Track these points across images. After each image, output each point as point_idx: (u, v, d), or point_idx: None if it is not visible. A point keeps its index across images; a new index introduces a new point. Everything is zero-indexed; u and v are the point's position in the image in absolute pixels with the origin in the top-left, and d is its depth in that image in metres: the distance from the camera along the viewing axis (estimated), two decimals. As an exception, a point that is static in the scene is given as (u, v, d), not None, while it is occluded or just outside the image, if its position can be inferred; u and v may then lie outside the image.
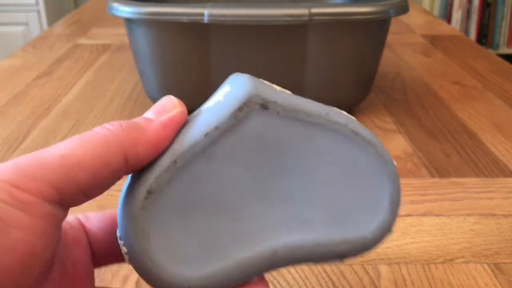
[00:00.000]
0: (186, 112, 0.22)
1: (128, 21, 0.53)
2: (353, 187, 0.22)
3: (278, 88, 0.22)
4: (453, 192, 0.42)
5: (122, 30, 0.95)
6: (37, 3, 1.96)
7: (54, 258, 0.21)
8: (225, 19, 0.49)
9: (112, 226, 0.24)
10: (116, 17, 1.07)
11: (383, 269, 0.33)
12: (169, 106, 0.22)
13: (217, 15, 0.49)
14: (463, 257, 0.35)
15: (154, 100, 0.57)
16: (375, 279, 0.33)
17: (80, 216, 0.24)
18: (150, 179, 0.21)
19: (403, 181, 0.44)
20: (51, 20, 2.01)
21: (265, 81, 0.22)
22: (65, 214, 0.20)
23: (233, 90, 0.22)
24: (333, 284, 0.32)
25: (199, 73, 0.54)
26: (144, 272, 0.21)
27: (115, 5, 0.51)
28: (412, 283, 0.32)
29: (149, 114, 0.22)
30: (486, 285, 0.32)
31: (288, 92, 0.22)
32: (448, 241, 0.36)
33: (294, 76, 0.54)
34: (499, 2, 2.20)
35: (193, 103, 0.56)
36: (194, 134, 0.21)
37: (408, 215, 0.39)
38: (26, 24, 1.98)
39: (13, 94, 0.64)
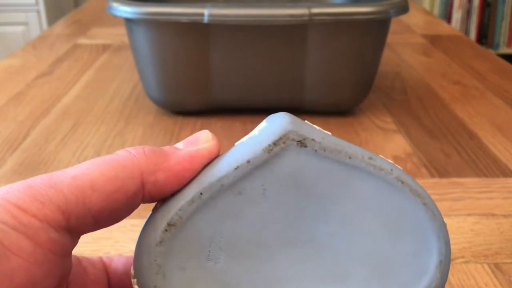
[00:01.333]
0: (218, 147, 0.21)
1: (128, 21, 0.53)
2: (397, 242, 0.20)
3: (318, 127, 0.20)
4: (453, 192, 0.42)
5: (122, 30, 0.95)
6: (37, 3, 1.96)
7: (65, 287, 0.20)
8: (225, 19, 0.49)
9: None
10: (116, 17, 1.07)
11: (383, 269, 0.33)
12: (202, 138, 0.20)
13: (217, 15, 0.49)
14: (463, 257, 0.35)
15: (154, 100, 0.57)
16: (375, 279, 0.33)
17: (103, 257, 0.23)
18: (172, 210, 0.19)
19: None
20: (51, 20, 2.01)
21: (306, 121, 0.20)
22: (74, 242, 0.19)
23: (269, 125, 0.20)
24: (333, 284, 0.32)
25: (199, 73, 0.54)
26: None
27: (115, 5, 0.51)
28: (412, 283, 0.32)
29: (179, 144, 0.21)
30: (486, 285, 0.32)
31: (329, 133, 0.20)
32: (448, 241, 0.36)
33: (294, 76, 0.54)
34: (499, 2, 2.20)
35: (193, 103, 0.56)
36: (223, 167, 0.19)
37: (408, 215, 0.39)
38: (26, 24, 1.98)
39: (13, 94, 0.64)
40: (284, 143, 0.19)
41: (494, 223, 0.38)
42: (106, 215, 0.18)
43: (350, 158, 0.19)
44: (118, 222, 0.19)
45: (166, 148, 0.20)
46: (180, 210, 0.19)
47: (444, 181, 0.44)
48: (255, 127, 0.21)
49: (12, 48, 1.94)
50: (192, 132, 0.53)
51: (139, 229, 0.21)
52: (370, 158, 0.19)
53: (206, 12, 0.49)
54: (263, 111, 0.57)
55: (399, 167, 0.20)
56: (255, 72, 0.54)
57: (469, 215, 0.39)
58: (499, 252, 0.35)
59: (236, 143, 0.20)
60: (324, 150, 0.19)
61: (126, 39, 0.88)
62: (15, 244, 0.16)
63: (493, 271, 0.33)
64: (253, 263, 0.20)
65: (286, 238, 0.20)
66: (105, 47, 0.84)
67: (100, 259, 0.23)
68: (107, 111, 0.59)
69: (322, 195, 0.19)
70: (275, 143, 0.19)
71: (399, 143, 0.51)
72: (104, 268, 0.22)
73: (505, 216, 0.39)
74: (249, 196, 0.19)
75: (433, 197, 0.41)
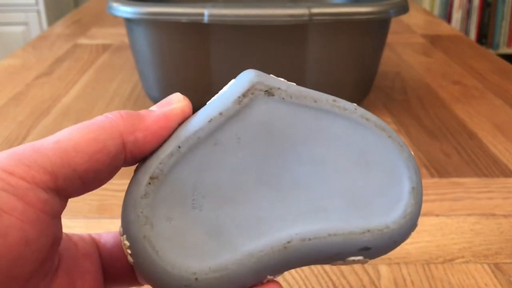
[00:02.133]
0: (190, 106, 0.22)
1: (128, 21, 0.53)
2: (369, 174, 0.21)
3: (283, 80, 0.22)
4: (453, 192, 0.42)
5: (122, 30, 0.95)
6: (37, 3, 1.96)
7: (56, 259, 0.20)
8: (225, 19, 0.49)
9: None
10: (116, 17, 1.07)
11: (383, 269, 0.33)
12: (173, 100, 0.22)
13: (217, 15, 0.49)
14: (463, 257, 0.35)
15: (154, 100, 0.57)
16: (375, 279, 0.33)
17: (92, 234, 0.23)
18: (153, 165, 0.20)
19: (403, 181, 0.44)
20: (51, 20, 2.01)
21: (271, 75, 0.22)
22: (63, 204, 0.19)
23: (237, 81, 0.22)
24: (333, 284, 0.32)
25: (199, 73, 0.54)
26: (148, 267, 0.20)
27: (115, 5, 0.51)
28: (412, 283, 0.32)
29: (153, 107, 0.22)
30: (486, 285, 0.32)
31: (293, 83, 0.22)
32: (448, 241, 0.36)
33: (294, 76, 0.54)
34: (499, 2, 2.20)
35: (193, 103, 0.56)
36: (198, 121, 0.21)
37: (408, 215, 0.39)
38: (26, 24, 1.98)
39: (13, 94, 0.64)
40: (252, 94, 0.21)
41: (494, 223, 0.38)
42: (92, 176, 0.19)
43: (315, 102, 0.21)
44: (104, 184, 0.20)
45: (142, 111, 0.21)
46: (160, 163, 0.20)
47: (444, 181, 0.44)
48: None
49: (12, 48, 1.94)
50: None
51: None
52: (334, 100, 0.21)
53: (206, 12, 0.49)
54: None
55: (359, 107, 0.22)
56: (255, 72, 0.54)
57: (469, 215, 0.39)
58: (499, 252, 0.35)
59: (208, 102, 0.22)
60: (291, 97, 0.21)
61: (126, 39, 0.88)
62: (6, 203, 0.17)
63: (493, 271, 0.33)
64: (234, 206, 0.21)
65: (263, 181, 0.21)
66: (105, 47, 0.84)
67: (89, 235, 0.23)
68: (107, 111, 0.59)
69: (293, 138, 0.21)
70: (244, 95, 0.21)
71: (399, 143, 0.51)
72: (94, 243, 0.23)
73: (505, 216, 0.39)
74: (224, 146, 0.21)
75: (433, 197, 0.41)
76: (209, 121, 0.20)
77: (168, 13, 0.49)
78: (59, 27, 0.99)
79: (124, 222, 0.20)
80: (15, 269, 0.17)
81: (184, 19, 0.49)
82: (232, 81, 0.22)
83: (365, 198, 0.21)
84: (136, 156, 0.20)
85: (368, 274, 0.33)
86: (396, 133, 0.21)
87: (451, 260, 0.34)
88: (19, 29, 1.99)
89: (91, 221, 0.39)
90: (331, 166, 0.21)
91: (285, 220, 0.21)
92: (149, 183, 0.20)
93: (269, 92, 0.21)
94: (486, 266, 0.34)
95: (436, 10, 2.22)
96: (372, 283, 0.32)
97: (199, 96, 0.55)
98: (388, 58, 0.78)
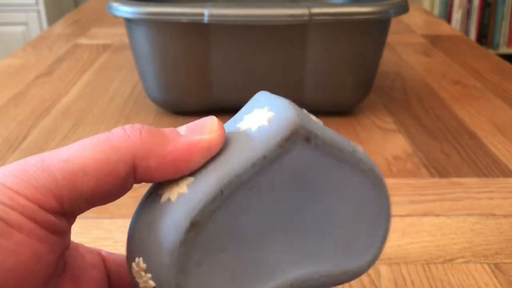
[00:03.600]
0: (222, 137, 0.20)
1: (128, 21, 0.53)
2: (360, 220, 0.22)
3: (314, 117, 0.21)
4: (453, 192, 0.42)
5: (122, 30, 0.95)
6: (37, 3, 1.96)
7: (66, 270, 0.20)
8: (225, 19, 0.49)
9: None
10: (116, 17, 1.07)
11: (383, 269, 0.33)
12: (206, 128, 0.20)
13: (217, 15, 0.49)
14: (463, 257, 0.35)
15: (154, 100, 0.57)
16: (375, 279, 0.33)
17: (97, 248, 0.23)
18: (196, 209, 0.19)
19: (403, 181, 0.44)
20: (51, 20, 2.01)
21: (304, 110, 0.21)
22: (70, 222, 0.19)
23: (277, 115, 0.20)
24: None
25: (199, 73, 0.54)
26: None
27: (115, 5, 0.51)
28: (412, 283, 0.32)
29: (182, 128, 0.20)
30: (486, 285, 0.32)
31: (321, 122, 0.22)
32: (448, 241, 0.36)
33: (294, 76, 0.54)
34: (499, 2, 2.20)
35: (193, 103, 0.56)
36: (240, 162, 0.19)
37: (408, 215, 0.39)
38: (26, 24, 1.98)
39: (13, 94, 0.64)
40: (294, 138, 0.20)
41: (494, 223, 0.38)
42: (98, 197, 0.18)
43: (341, 152, 0.21)
44: (112, 202, 0.19)
45: (167, 130, 0.19)
46: (203, 209, 0.19)
47: (444, 181, 0.44)
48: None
49: (12, 48, 1.94)
50: (192, 132, 0.52)
51: None
52: (354, 151, 0.21)
53: (206, 12, 0.49)
54: (263, 111, 0.57)
55: (366, 154, 0.23)
56: (255, 72, 0.54)
57: (469, 215, 0.39)
58: (499, 252, 0.35)
59: (240, 128, 0.21)
60: (323, 145, 0.21)
61: (126, 39, 0.88)
62: (17, 222, 0.17)
63: (493, 271, 0.33)
64: (255, 250, 0.21)
65: (282, 226, 0.21)
66: (105, 47, 0.84)
67: (95, 248, 0.23)
68: (107, 111, 0.59)
69: (315, 186, 0.21)
70: (287, 138, 0.20)
71: (399, 143, 0.51)
72: (100, 256, 0.23)
73: (505, 216, 0.39)
74: (259, 189, 0.20)
75: (433, 197, 0.41)
76: (253, 165, 0.19)
77: (168, 13, 0.49)
78: (59, 27, 0.99)
79: (155, 264, 0.19)
80: (25, 284, 0.17)
81: (184, 19, 0.49)
82: (268, 111, 0.21)
83: (352, 243, 0.22)
84: (144, 181, 0.19)
85: (368, 274, 0.33)
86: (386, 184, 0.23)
87: (451, 260, 0.34)
88: (19, 29, 1.99)
89: (91, 221, 0.39)
90: (335, 213, 0.22)
91: (292, 263, 0.21)
92: (190, 230, 0.19)
93: (307, 139, 0.20)
94: (486, 266, 0.34)
95: (436, 10, 2.22)
96: (372, 283, 0.32)
97: (199, 96, 0.55)
98: (388, 58, 0.78)
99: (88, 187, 0.18)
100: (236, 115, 0.22)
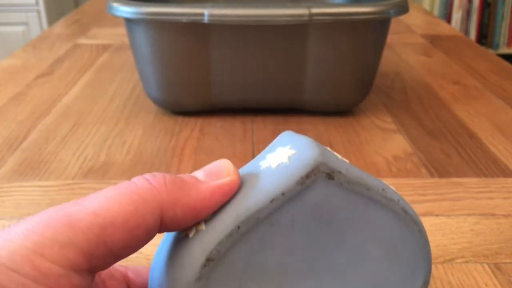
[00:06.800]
0: (239, 181, 0.20)
1: (128, 21, 0.53)
2: (394, 264, 0.21)
3: (339, 156, 0.21)
4: (453, 192, 0.42)
5: (122, 30, 0.95)
6: (37, 3, 1.96)
7: None
8: (225, 19, 0.49)
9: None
10: (116, 17, 1.07)
11: (383, 269, 0.33)
12: (223, 171, 0.20)
13: (217, 15, 0.49)
14: (463, 257, 0.35)
15: (154, 100, 0.57)
16: (375, 279, 0.33)
17: (120, 267, 0.23)
18: (211, 245, 0.19)
19: (403, 181, 0.44)
20: (51, 20, 2.01)
21: (327, 148, 0.21)
22: (93, 280, 0.18)
23: (299, 153, 0.20)
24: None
25: (199, 73, 0.54)
26: None
27: (115, 5, 0.51)
28: (412, 283, 0.32)
29: (200, 174, 0.20)
30: (486, 285, 0.32)
31: (347, 161, 0.21)
32: (448, 241, 0.36)
33: (294, 76, 0.54)
34: (499, 2, 2.20)
35: (193, 103, 0.56)
36: (258, 198, 0.19)
37: (408, 215, 0.39)
38: (26, 24, 1.98)
39: (13, 94, 0.64)
40: (315, 175, 0.19)
41: (494, 223, 0.38)
42: (126, 251, 0.18)
43: (368, 190, 0.20)
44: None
45: (187, 178, 0.19)
46: (219, 245, 0.19)
47: (444, 181, 0.44)
48: (265, 137, 0.21)
49: (12, 48, 1.94)
50: (192, 132, 0.53)
51: None
52: (383, 190, 0.21)
53: (206, 12, 0.49)
54: (263, 111, 0.57)
55: (401, 196, 0.22)
56: (255, 72, 0.54)
57: (469, 215, 0.39)
58: (499, 252, 0.35)
59: (261, 166, 0.21)
60: (348, 183, 0.20)
61: (126, 39, 0.88)
62: None
63: (493, 271, 0.33)
64: None
65: (306, 266, 0.20)
66: (105, 47, 0.84)
67: (118, 269, 0.22)
68: (107, 111, 0.59)
69: (341, 224, 0.20)
70: (307, 176, 0.19)
71: (399, 143, 0.51)
72: (124, 279, 0.22)
73: (505, 216, 0.39)
74: (279, 227, 0.19)
75: (433, 197, 0.41)
76: (271, 201, 0.19)
77: (168, 13, 0.49)
78: (59, 27, 0.99)
79: None
80: None
81: (184, 19, 0.49)
82: (290, 149, 0.20)
83: (386, 286, 0.22)
84: (169, 229, 0.19)
85: (368, 274, 0.33)
86: (423, 226, 0.22)
87: (451, 260, 0.34)
88: (19, 29, 1.99)
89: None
90: (366, 254, 0.21)
91: None
92: (205, 266, 0.19)
93: (330, 176, 0.20)
94: (486, 266, 0.34)
95: (436, 10, 2.22)
96: (372, 283, 0.32)
97: (199, 96, 0.55)
98: (388, 58, 0.78)
99: (117, 241, 0.17)
100: (260, 154, 0.22)
